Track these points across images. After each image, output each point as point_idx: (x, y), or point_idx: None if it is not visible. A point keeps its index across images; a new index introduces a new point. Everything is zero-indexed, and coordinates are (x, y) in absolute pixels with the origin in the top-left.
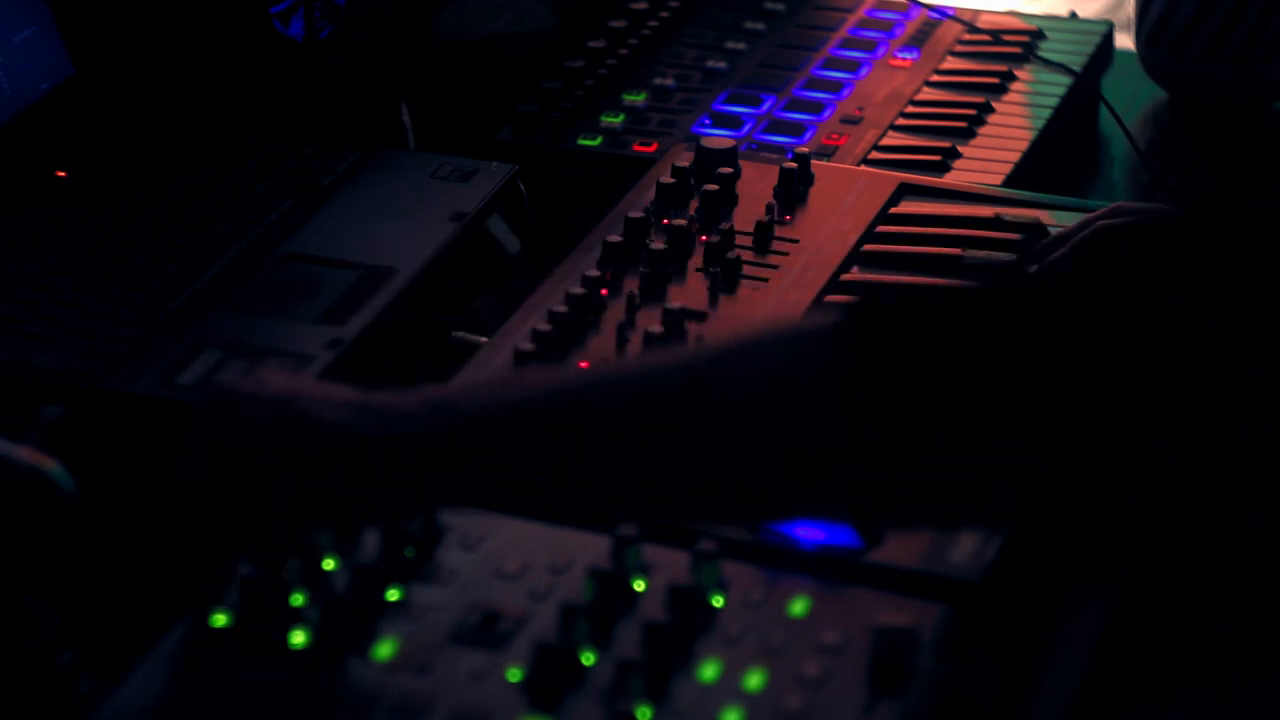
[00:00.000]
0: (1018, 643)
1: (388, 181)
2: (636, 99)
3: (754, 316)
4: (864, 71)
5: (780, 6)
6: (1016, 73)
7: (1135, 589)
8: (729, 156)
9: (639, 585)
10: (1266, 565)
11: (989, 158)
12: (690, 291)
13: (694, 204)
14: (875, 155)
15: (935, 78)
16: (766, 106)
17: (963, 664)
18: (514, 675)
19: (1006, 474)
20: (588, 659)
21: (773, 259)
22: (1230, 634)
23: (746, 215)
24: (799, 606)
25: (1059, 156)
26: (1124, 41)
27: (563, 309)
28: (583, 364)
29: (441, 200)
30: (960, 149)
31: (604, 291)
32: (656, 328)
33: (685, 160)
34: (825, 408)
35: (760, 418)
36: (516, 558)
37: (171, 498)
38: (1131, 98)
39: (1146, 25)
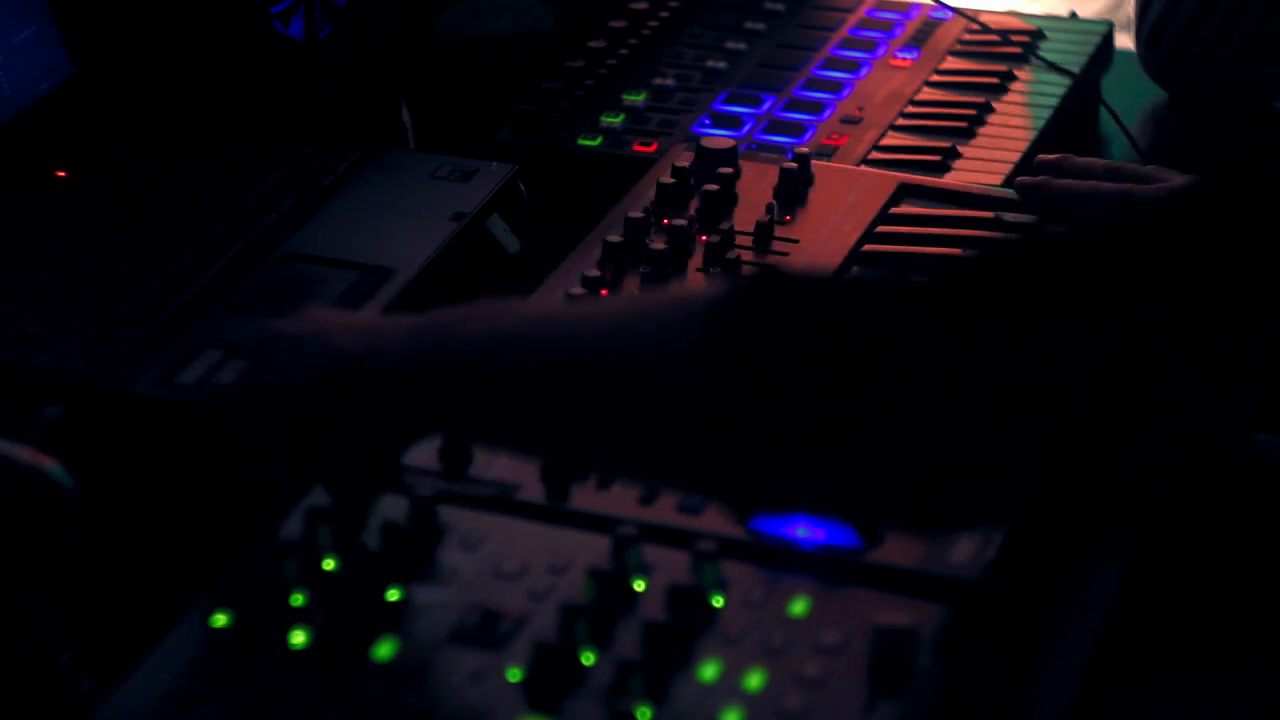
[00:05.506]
0: (1018, 643)
1: (388, 181)
2: (636, 99)
3: None
4: (864, 71)
5: (780, 6)
6: (1016, 73)
7: (1135, 588)
8: (729, 156)
9: (639, 585)
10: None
11: (989, 158)
12: None
13: (694, 204)
14: (875, 155)
15: (935, 78)
16: (766, 106)
17: (963, 664)
18: (514, 675)
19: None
20: (588, 659)
21: (773, 259)
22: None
23: (746, 215)
24: (799, 606)
25: None
26: (1124, 41)
27: None
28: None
29: (441, 200)
30: (960, 149)
31: (604, 291)
32: None
33: (685, 160)
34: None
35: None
36: (516, 558)
37: (171, 498)
38: (1131, 98)
39: (1146, 25)
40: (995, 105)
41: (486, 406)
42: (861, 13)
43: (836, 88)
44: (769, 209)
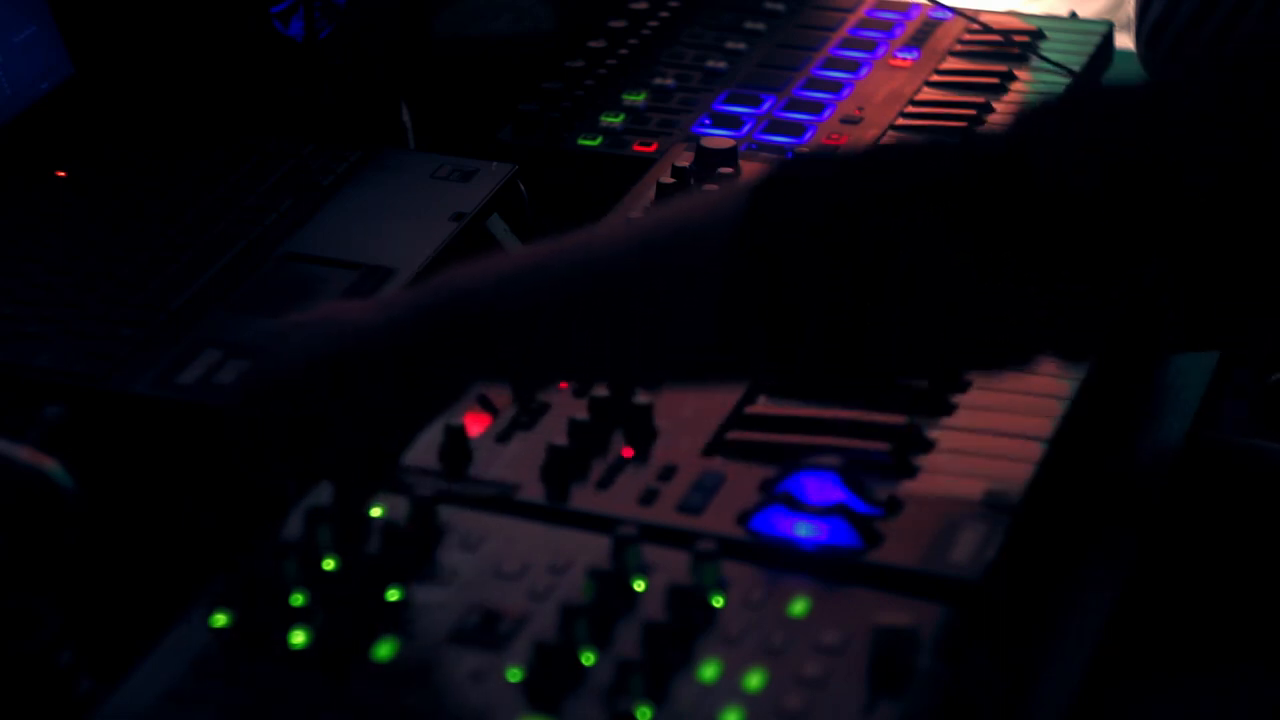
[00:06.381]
0: (1018, 643)
1: (388, 181)
2: (636, 99)
3: None
4: (864, 71)
5: (780, 6)
6: (1016, 73)
7: (1135, 588)
8: (729, 156)
9: (639, 585)
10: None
11: None
12: None
13: None
14: None
15: (935, 78)
16: (766, 106)
17: (963, 664)
18: (514, 675)
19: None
20: (588, 659)
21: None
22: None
23: None
24: (799, 606)
25: None
26: (1124, 41)
27: None
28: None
29: (441, 200)
30: None
31: None
32: None
33: (685, 160)
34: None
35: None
36: (516, 558)
37: (171, 498)
38: None
39: (1146, 25)
40: (995, 105)
41: (511, 348)
42: (861, 13)
43: (836, 88)
44: None
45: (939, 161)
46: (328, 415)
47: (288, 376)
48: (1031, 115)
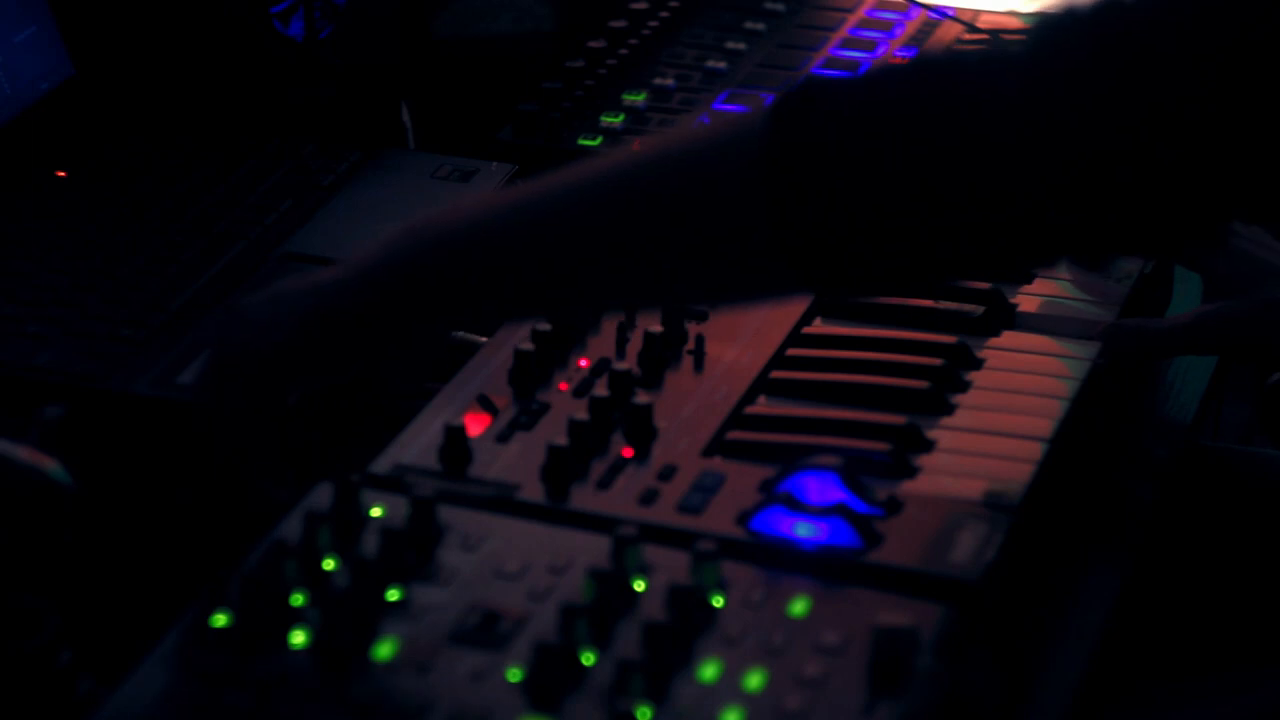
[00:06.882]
0: (1018, 643)
1: (388, 181)
2: (636, 99)
3: (753, 318)
4: (864, 71)
5: (780, 6)
6: None
7: (1135, 587)
8: None
9: (639, 585)
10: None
11: None
12: None
13: None
14: None
15: None
16: None
17: (963, 664)
18: (514, 675)
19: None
20: (588, 659)
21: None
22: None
23: None
24: (799, 606)
25: None
26: None
27: None
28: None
29: (441, 200)
30: None
31: None
32: (656, 327)
33: None
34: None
35: (695, 219)
36: (516, 558)
37: (172, 498)
38: None
39: None
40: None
41: (500, 291)
42: (861, 13)
43: None
44: None
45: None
46: (295, 398)
47: (254, 356)
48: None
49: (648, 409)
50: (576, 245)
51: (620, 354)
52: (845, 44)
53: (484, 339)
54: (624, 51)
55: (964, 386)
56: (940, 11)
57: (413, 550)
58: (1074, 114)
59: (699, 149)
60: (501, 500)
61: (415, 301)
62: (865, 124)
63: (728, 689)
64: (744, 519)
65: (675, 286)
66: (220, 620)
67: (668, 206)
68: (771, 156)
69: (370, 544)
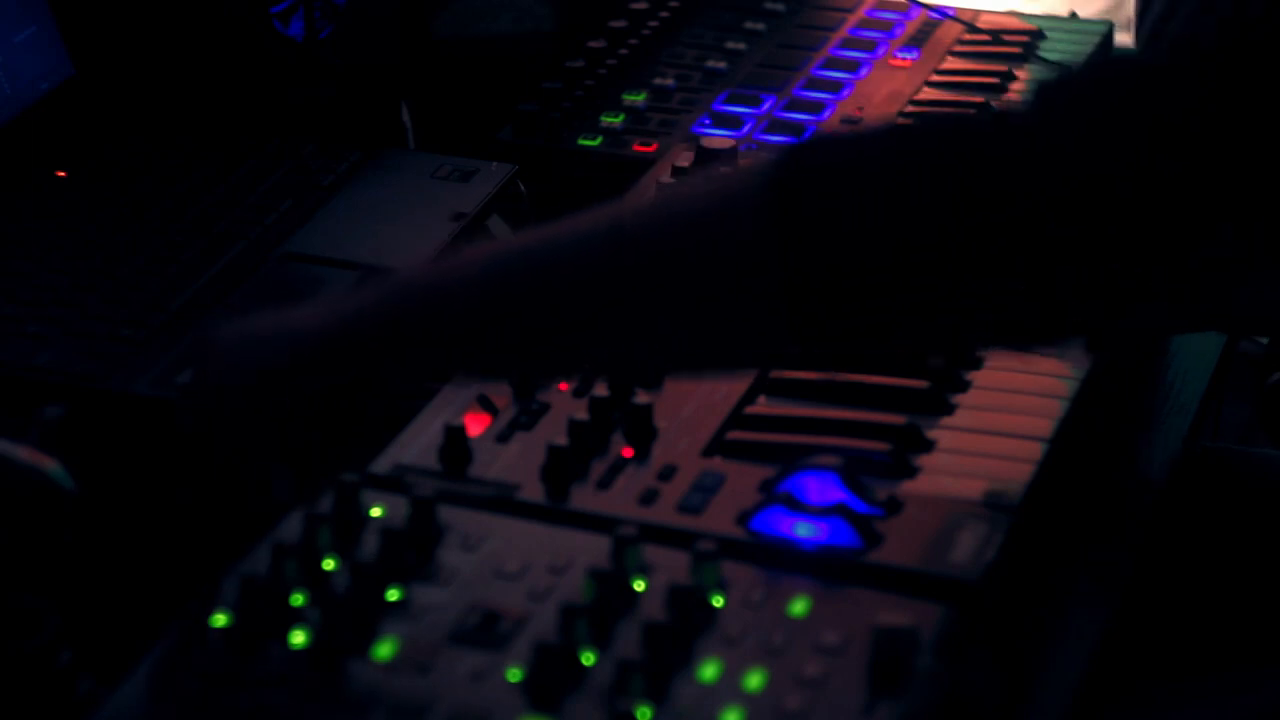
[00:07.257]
0: (1018, 643)
1: (388, 181)
2: (636, 99)
3: None
4: (864, 71)
5: (780, 6)
6: (1016, 73)
7: (1135, 587)
8: (729, 156)
9: (639, 585)
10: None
11: None
12: None
13: None
14: None
15: (935, 78)
16: (766, 106)
17: (963, 664)
18: (514, 675)
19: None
20: (588, 659)
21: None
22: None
23: None
24: (799, 606)
25: None
26: (1124, 41)
27: None
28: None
29: (441, 200)
30: None
31: None
32: None
33: (685, 160)
34: (763, 259)
35: (695, 274)
36: (516, 558)
37: (171, 498)
38: None
39: (1146, 25)
40: (995, 105)
41: (475, 347)
42: (861, 13)
43: (837, 88)
44: None
45: (963, 136)
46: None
47: (229, 396)
48: (1054, 87)
49: (648, 409)
50: (570, 301)
51: None
52: (845, 44)
53: None
54: (624, 51)
55: (964, 386)
56: (940, 11)
57: (413, 550)
58: (1075, 135)
59: (702, 195)
60: (501, 500)
61: (401, 355)
62: (868, 165)
63: (728, 689)
64: (744, 519)
65: (664, 342)
66: (220, 620)
67: (671, 251)
68: (783, 191)
69: (370, 544)
